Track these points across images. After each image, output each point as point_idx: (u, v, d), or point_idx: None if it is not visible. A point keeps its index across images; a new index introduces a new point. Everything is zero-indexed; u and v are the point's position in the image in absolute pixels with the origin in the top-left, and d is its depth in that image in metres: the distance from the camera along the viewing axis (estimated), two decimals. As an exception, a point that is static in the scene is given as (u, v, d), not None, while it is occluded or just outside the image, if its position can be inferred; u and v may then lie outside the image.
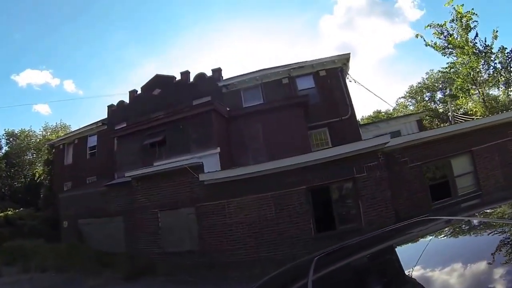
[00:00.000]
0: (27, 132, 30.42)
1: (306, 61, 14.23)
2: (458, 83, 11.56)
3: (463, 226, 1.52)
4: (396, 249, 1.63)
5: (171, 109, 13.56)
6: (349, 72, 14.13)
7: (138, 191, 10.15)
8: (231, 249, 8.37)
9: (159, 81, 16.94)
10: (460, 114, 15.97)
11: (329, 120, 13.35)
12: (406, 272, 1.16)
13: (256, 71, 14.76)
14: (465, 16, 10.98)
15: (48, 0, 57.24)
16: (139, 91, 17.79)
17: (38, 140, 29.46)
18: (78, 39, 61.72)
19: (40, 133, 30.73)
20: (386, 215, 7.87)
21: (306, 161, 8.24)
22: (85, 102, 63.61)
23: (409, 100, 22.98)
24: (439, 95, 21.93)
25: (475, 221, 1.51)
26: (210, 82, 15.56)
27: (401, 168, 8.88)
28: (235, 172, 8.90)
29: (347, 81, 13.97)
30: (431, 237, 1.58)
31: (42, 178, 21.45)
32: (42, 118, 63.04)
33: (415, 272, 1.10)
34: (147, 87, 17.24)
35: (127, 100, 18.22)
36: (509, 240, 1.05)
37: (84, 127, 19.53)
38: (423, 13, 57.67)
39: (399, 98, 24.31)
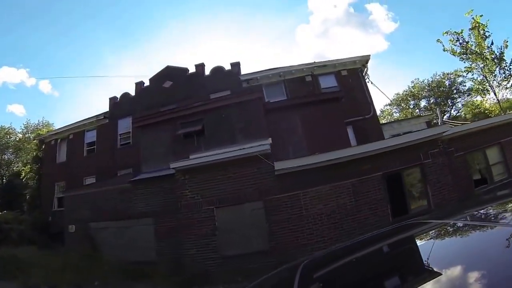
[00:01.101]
0: (6, 130, 25.31)
1: (329, 60, 13.43)
2: (476, 86, 11.65)
3: (450, 228, 1.46)
4: (384, 253, 1.56)
5: (205, 98, 11.60)
6: (368, 73, 13.50)
7: (184, 185, 8.01)
8: (308, 243, 7.08)
9: (170, 73, 14.81)
10: (449, 119, 16.36)
11: (352, 119, 12.51)
12: (394, 276, 1.13)
13: (280, 67, 13.57)
14: (482, 26, 11.03)
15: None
16: (146, 83, 15.41)
17: (18, 139, 24.57)
18: (57, 38, 54.81)
19: (20, 131, 25.84)
20: (449, 198, 7.66)
21: (380, 147, 7.67)
22: (62, 104, 56.27)
23: (395, 107, 23.55)
24: (423, 103, 22.89)
25: (461, 224, 1.47)
26: (229, 76, 13.91)
27: (449, 157, 8.55)
28: (313, 159, 7.62)
29: (367, 81, 13.29)
30: (420, 240, 1.51)
31: (28, 177, 17.55)
32: (16, 119, 54.54)
33: (403, 276, 1.08)
34: (157, 79, 14.99)
35: (119, 93, 15.74)
36: (493, 242, 1.02)
37: (81, 121, 16.45)
38: (397, 26, 56.33)
39: (385, 105, 24.81)
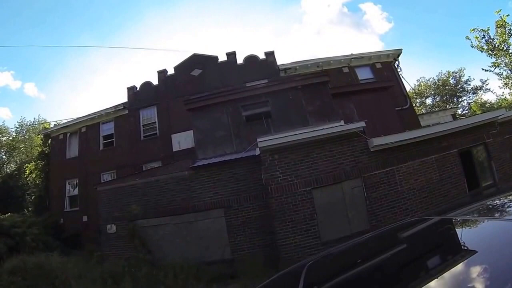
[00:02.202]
0: None
1: (364, 53, 12.64)
2: (504, 80, 11.68)
3: (453, 225, 1.31)
4: (389, 252, 1.37)
5: (272, 79, 10.01)
6: (400, 66, 12.93)
7: (274, 166, 6.53)
8: (405, 219, 6.15)
9: (198, 61, 13.00)
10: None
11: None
12: (399, 275, 1.03)
13: (319, 58, 12.51)
14: (508, 24, 11.02)
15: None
16: (170, 72, 13.34)
17: (11, 138, 20.33)
18: (41, 39, 48.48)
19: (14, 129, 21.53)
20: (510, 173, 7.55)
21: (456, 126, 7.41)
22: (48, 106, 49.57)
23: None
24: (428, 101, 22.67)
25: (460, 220, 1.34)
26: (265, 65, 12.50)
27: (495, 140, 8.20)
28: (405, 136, 7.00)
29: (400, 74, 12.70)
30: (426, 237, 1.38)
31: (34, 176, 14.25)
32: (3, 122, 46.46)
33: (408, 275, 0.99)
34: (183, 67, 13.09)
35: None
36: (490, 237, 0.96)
37: (96, 112, 13.78)
38: (391, 26, 52.18)
39: None
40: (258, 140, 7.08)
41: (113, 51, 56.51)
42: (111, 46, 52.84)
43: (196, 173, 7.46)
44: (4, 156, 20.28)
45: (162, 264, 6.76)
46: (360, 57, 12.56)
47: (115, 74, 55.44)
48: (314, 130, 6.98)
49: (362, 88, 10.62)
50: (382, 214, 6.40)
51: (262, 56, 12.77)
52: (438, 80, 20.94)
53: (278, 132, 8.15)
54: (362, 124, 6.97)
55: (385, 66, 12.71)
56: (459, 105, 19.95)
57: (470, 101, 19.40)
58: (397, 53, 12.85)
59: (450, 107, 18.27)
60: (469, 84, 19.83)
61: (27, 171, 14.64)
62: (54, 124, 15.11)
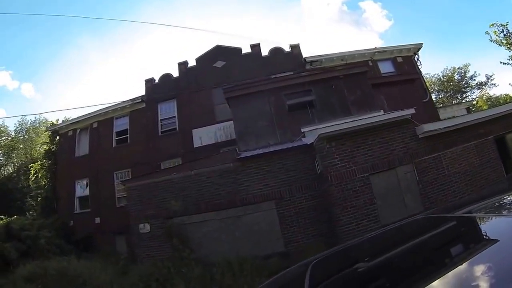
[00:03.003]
0: None
1: (387, 47, 12.47)
2: None
3: (463, 223, 1.26)
4: (395, 251, 1.30)
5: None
6: (420, 60, 12.76)
7: (331, 154, 6.20)
8: (454, 201, 6.34)
9: (221, 53, 12.27)
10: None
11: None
12: (406, 274, 0.99)
13: (343, 52, 12.07)
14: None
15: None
16: (191, 63, 12.52)
17: (10, 138, 18.55)
18: (40, 39, 45.91)
19: (14, 129, 19.72)
20: None
21: (491, 114, 7.47)
22: (45, 107, 46.76)
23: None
24: (433, 96, 22.56)
25: (477, 218, 1.25)
26: (289, 57, 11.96)
27: None
28: (450, 122, 7.09)
29: (420, 68, 12.52)
30: (432, 236, 1.29)
31: (39, 176, 12.92)
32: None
33: (415, 274, 0.94)
34: (205, 59, 12.32)
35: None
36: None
37: (109, 106, 12.67)
38: (391, 24, 49.58)
39: None
40: (315, 127, 7.07)
41: (112, 51, 54.35)
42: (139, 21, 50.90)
43: (242, 165, 6.72)
44: (3, 157, 18.49)
45: (210, 262, 5.98)
46: (383, 51, 12.32)
47: (115, 74, 53.29)
48: (370, 117, 6.83)
49: (391, 80, 10.38)
50: (434, 197, 6.48)
51: (287, 48, 12.28)
52: (443, 76, 21.14)
53: (322, 122, 7.69)
54: (411, 111, 6.92)
55: (405, 60, 12.50)
56: (463, 101, 20.24)
57: (474, 97, 19.62)
58: (418, 47, 12.69)
59: (464, 101, 18.41)
60: (474, 80, 20.13)
61: (32, 171, 13.23)
62: (63, 120, 13.86)
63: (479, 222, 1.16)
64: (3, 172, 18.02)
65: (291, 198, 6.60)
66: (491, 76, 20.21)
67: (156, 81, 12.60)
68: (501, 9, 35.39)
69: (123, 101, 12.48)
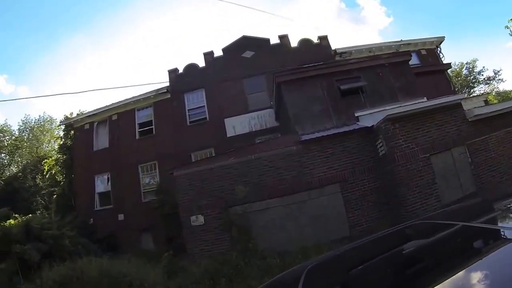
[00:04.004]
0: (1, 127, 17.93)
1: (411, 39, 12.73)
2: None
3: (454, 231, 1.25)
4: (392, 257, 1.29)
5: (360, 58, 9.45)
6: (442, 52, 13.32)
7: (396, 135, 6.27)
8: (501, 181, 6.74)
9: (248, 43, 12.15)
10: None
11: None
12: (402, 281, 1.00)
13: (371, 44, 12.35)
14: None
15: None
16: (217, 54, 12.37)
17: (14, 138, 17.53)
18: (36, 43, 43.70)
19: (17, 128, 18.71)
20: None
21: None
22: (40, 109, 44.41)
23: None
24: None
25: (468, 226, 1.25)
26: (318, 49, 12.05)
27: None
28: (495, 107, 7.48)
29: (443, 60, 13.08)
30: (427, 242, 1.33)
31: (53, 172, 12.27)
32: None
33: (411, 280, 0.96)
34: (232, 49, 12.13)
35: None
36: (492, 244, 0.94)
37: (130, 98, 12.25)
38: (390, 21, 50.04)
39: None
40: (368, 112, 7.18)
41: (113, 49, 52.48)
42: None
43: (305, 148, 6.61)
44: (6, 157, 17.42)
45: (276, 252, 5.78)
46: (408, 43, 12.67)
47: (114, 74, 51.48)
48: (430, 100, 7.03)
49: (423, 70, 10.75)
50: (485, 178, 6.75)
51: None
52: (452, 71, 21.92)
53: (373, 107, 7.84)
54: (462, 96, 7.23)
55: (429, 52, 12.96)
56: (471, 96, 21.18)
57: (482, 92, 20.55)
58: (440, 40, 13.22)
59: (482, 94, 19.24)
60: (482, 75, 21.14)
61: (45, 167, 12.53)
62: (77, 114, 13.26)
63: (475, 232, 1.14)
64: (7, 172, 16.99)
65: (355, 180, 6.53)
66: (498, 71, 21.28)
67: (180, 71, 12.34)
68: (500, 8, 37.74)
69: (147, 92, 12.06)
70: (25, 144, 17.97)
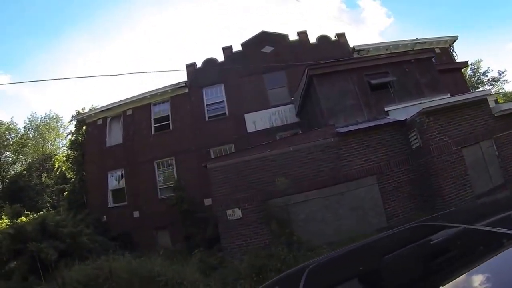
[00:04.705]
0: (7, 125, 17.60)
1: (426, 38, 13.32)
2: None
3: (457, 233, 1.31)
4: (391, 259, 1.37)
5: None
6: (455, 51, 14.00)
7: (430, 128, 6.69)
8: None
9: (267, 39, 12.48)
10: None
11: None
12: (402, 282, 1.04)
13: (388, 41, 12.91)
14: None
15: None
16: (236, 48, 12.62)
17: (19, 136, 17.26)
18: (40, 43, 42.94)
19: (23, 126, 18.48)
20: None
21: None
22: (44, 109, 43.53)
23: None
24: None
25: (470, 229, 1.29)
26: (336, 46, 12.49)
27: None
28: None
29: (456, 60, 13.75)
30: (426, 244, 1.40)
31: (64, 168, 12.17)
32: None
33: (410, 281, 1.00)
34: (251, 44, 12.43)
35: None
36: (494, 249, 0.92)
37: (146, 92, 12.32)
38: (391, 21, 51.40)
39: None
40: (398, 106, 7.62)
41: (114, 46, 51.63)
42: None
43: (342, 140, 6.96)
44: (11, 155, 17.14)
45: (318, 245, 5.83)
46: (423, 41, 13.27)
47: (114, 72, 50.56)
48: (454, 96, 7.48)
49: (442, 68, 11.28)
50: (511, 170, 7.12)
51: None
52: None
53: (401, 102, 8.26)
54: (488, 91, 7.69)
55: (443, 51, 13.61)
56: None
57: (487, 93, 21.32)
58: (453, 40, 13.90)
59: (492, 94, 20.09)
60: (486, 76, 22.13)
61: (55, 164, 12.42)
62: (89, 109, 13.19)
63: (473, 235, 1.17)
64: (11, 170, 16.71)
65: (390, 172, 6.88)
66: (503, 72, 22.35)
67: (199, 65, 12.52)
68: (498, 10, 39.42)
69: (164, 86, 12.18)
70: (31, 142, 17.78)
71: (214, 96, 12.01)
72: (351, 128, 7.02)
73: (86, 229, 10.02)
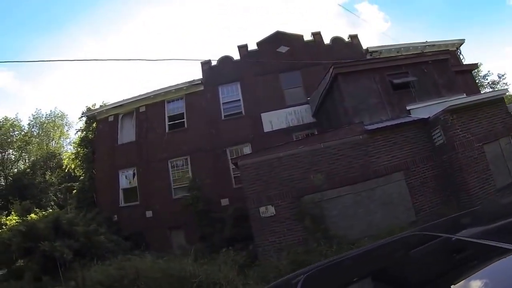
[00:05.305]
0: (11, 121, 17.46)
1: (435, 41, 14.08)
2: None
3: (451, 244, 1.33)
4: (390, 267, 1.42)
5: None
6: (462, 55, 14.85)
7: (454, 125, 7.20)
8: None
9: (282, 39, 12.93)
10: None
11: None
12: None
13: (399, 44, 13.53)
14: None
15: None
16: (251, 47, 13.00)
17: (23, 133, 17.02)
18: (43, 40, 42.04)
19: (27, 123, 18.34)
20: None
21: None
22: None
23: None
24: None
25: (464, 240, 1.31)
26: (350, 47, 13.08)
27: None
28: None
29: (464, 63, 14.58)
30: (423, 254, 1.42)
31: (73, 166, 12.11)
32: None
33: None
34: (267, 44, 12.84)
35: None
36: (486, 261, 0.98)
37: (161, 89, 12.49)
38: (388, 25, 52.97)
39: None
40: (419, 105, 8.19)
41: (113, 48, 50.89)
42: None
43: (370, 137, 7.39)
44: (15, 153, 16.89)
45: (351, 240, 6.12)
46: (432, 44, 14.00)
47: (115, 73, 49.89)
48: (482, 94, 8.06)
49: (455, 69, 12.02)
50: None
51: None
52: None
53: (421, 101, 8.82)
54: (506, 90, 8.35)
55: (451, 54, 14.51)
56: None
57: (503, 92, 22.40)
58: (460, 43, 14.76)
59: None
60: (487, 79, 23.32)
61: (64, 161, 12.37)
62: (100, 105, 13.19)
63: (469, 247, 1.18)
64: (14, 168, 16.45)
65: (416, 168, 7.35)
66: (503, 75, 23.54)
67: (214, 63, 12.80)
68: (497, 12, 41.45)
69: (179, 83, 12.38)
70: (35, 140, 17.61)
71: (230, 94, 12.31)
72: (378, 125, 7.46)
73: (100, 228, 10.04)
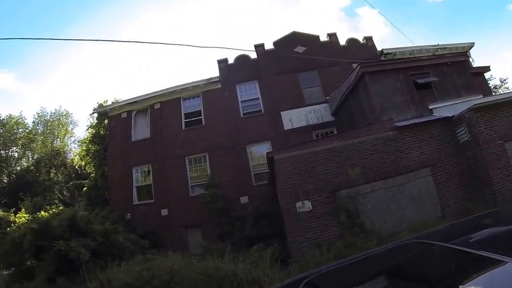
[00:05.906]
0: (15, 119, 17.52)
1: (446, 44, 14.94)
2: None
3: (449, 253, 1.36)
4: (391, 274, 1.48)
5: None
6: (472, 57, 15.81)
7: (478, 123, 7.77)
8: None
9: (298, 39, 13.47)
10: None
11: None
12: None
13: (412, 46, 14.32)
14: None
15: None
16: (268, 47, 13.46)
17: (27, 131, 16.84)
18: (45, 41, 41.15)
19: (32, 121, 18.39)
20: None
21: None
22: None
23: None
24: None
25: (459, 250, 1.32)
26: (365, 48, 13.76)
27: None
28: None
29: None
30: (422, 263, 1.48)
31: (84, 163, 12.09)
32: None
33: None
34: (283, 44, 13.32)
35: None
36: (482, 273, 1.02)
37: (177, 86, 12.72)
38: (389, 30, 54.55)
39: None
40: (441, 105, 8.75)
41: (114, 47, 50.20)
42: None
43: (399, 134, 7.93)
44: (18, 151, 16.65)
45: (387, 234, 6.55)
46: (444, 47, 14.91)
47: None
48: (502, 94, 8.76)
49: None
50: None
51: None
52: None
53: (443, 101, 9.47)
54: None
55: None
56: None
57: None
58: (470, 46, 15.72)
59: None
60: (489, 83, 24.45)
61: (74, 159, 12.34)
62: (112, 102, 13.25)
63: (465, 257, 1.21)
64: (17, 166, 16.20)
65: (442, 164, 7.88)
66: (505, 80, 24.98)
67: (231, 61, 13.17)
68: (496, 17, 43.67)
69: (196, 81, 12.67)
70: (39, 138, 17.48)
71: (249, 92, 12.67)
72: (406, 122, 8.01)
73: (119, 227, 10.07)
